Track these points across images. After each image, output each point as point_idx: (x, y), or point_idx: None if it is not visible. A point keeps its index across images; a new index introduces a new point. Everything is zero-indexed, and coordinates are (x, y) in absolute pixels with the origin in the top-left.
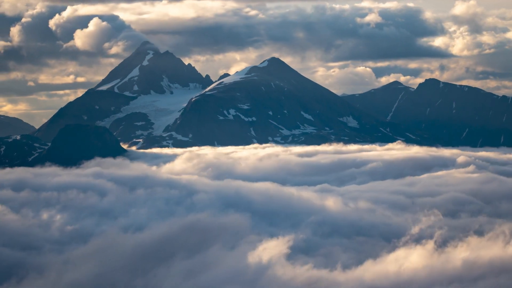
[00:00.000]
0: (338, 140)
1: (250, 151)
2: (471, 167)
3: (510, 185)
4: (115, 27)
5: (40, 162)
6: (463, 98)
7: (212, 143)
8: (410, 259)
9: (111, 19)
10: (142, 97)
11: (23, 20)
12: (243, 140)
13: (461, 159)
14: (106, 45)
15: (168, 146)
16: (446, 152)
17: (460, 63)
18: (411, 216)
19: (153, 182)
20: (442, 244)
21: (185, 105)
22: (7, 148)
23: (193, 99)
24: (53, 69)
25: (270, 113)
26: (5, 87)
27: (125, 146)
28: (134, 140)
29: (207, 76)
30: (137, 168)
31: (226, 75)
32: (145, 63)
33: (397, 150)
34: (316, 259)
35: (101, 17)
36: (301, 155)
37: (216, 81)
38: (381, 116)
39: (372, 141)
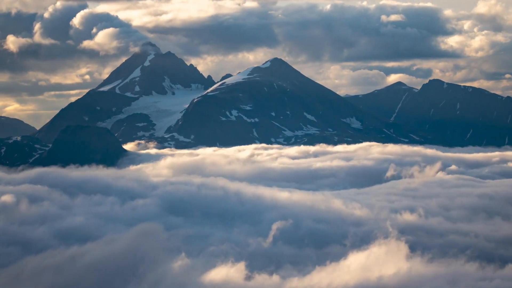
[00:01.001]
0: (341, 141)
1: (243, 152)
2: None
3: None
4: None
5: (41, 163)
6: (467, 99)
7: (214, 144)
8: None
9: (120, 20)
10: (143, 98)
11: (44, 17)
12: (246, 141)
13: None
14: (117, 45)
15: (170, 147)
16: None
17: (475, 64)
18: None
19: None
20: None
21: (187, 106)
22: (8, 150)
23: (195, 100)
24: (66, 69)
25: (273, 114)
26: (16, 87)
27: (129, 147)
28: (137, 141)
29: (209, 76)
30: (98, 173)
31: (228, 75)
32: (147, 63)
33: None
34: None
35: (107, 19)
36: (293, 157)
37: (218, 82)
38: (385, 117)
39: (375, 142)
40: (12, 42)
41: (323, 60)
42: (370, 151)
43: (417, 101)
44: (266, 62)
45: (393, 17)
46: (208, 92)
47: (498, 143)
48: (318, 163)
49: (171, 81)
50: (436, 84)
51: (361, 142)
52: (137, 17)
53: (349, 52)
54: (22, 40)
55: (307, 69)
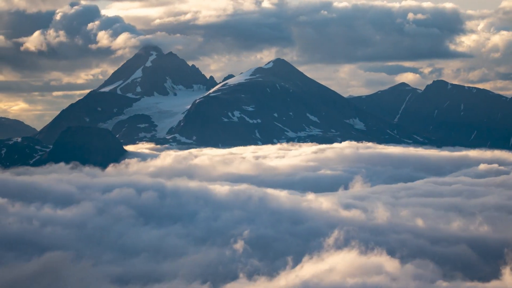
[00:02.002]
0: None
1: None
2: None
3: None
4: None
5: (42, 164)
6: (471, 100)
7: (216, 146)
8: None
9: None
10: (145, 99)
11: (58, 18)
12: (248, 142)
13: None
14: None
15: (172, 149)
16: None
17: (490, 64)
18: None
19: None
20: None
21: (189, 107)
22: (8, 151)
23: (197, 100)
24: (79, 69)
25: (275, 115)
26: (28, 86)
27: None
28: (137, 142)
29: (211, 77)
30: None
31: (231, 76)
32: (148, 64)
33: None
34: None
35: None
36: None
37: (220, 83)
38: (388, 118)
39: (379, 143)
40: (28, 41)
41: (338, 60)
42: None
43: (421, 102)
44: (268, 62)
45: (412, 17)
46: (210, 93)
47: (502, 144)
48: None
49: (173, 82)
50: (440, 85)
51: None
52: (152, 15)
53: (365, 52)
54: (37, 39)
55: (320, 69)
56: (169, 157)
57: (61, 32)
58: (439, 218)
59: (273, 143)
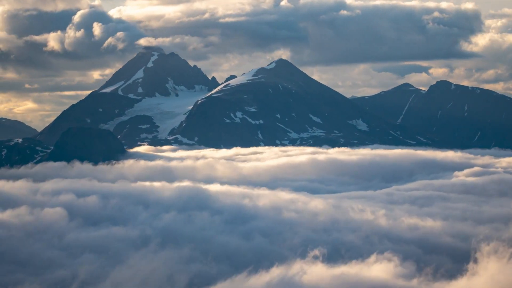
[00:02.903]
0: (347, 143)
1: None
2: None
3: None
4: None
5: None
6: (475, 100)
7: (218, 147)
8: None
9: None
10: (146, 100)
11: (75, 17)
12: (250, 144)
13: None
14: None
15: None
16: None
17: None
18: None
19: None
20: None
21: (190, 107)
22: (9, 152)
23: (199, 101)
24: (93, 69)
25: (278, 116)
26: (38, 86)
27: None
28: (139, 143)
29: (213, 78)
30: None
31: (233, 76)
32: (150, 64)
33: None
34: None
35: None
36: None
37: (222, 83)
38: (392, 119)
39: (382, 144)
40: (42, 40)
41: (352, 59)
42: None
43: (424, 103)
44: (271, 63)
45: (431, 16)
46: (212, 94)
47: (507, 145)
48: None
49: (174, 83)
50: (444, 85)
51: (368, 144)
52: (169, 13)
53: (380, 51)
54: (51, 39)
55: (334, 69)
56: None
57: (77, 32)
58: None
59: (275, 144)
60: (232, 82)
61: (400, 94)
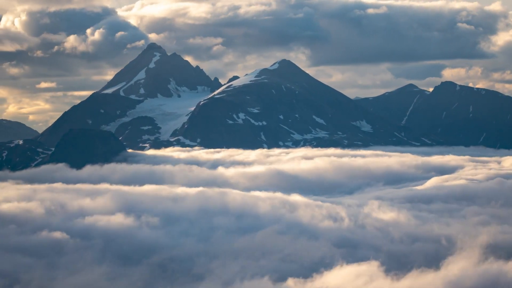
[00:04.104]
0: (351, 145)
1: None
2: None
3: None
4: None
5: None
6: (480, 101)
7: (221, 148)
8: None
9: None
10: (148, 101)
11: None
12: (253, 145)
13: None
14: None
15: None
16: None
17: None
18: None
19: None
20: None
21: (193, 108)
22: (9, 153)
23: (201, 102)
24: (109, 69)
25: (281, 117)
26: (54, 86)
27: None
28: (141, 144)
29: (216, 79)
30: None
31: (236, 77)
32: (152, 65)
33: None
34: None
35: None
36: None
37: (225, 84)
38: (396, 120)
39: (386, 145)
40: (61, 40)
41: (370, 59)
42: None
43: (429, 104)
44: (274, 63)
45: (456, 16)
46: (214, 95)
47: None
48: None
49: (176, 83)
50: (448, 86)
51: (371, 145)
52: (190, 10)
53: (401, 51)
54: (71, 39)
55: (346, 69)
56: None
57: (98, 32)
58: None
59: (278, 146)
60: (235, 83)
61: (404, 95)
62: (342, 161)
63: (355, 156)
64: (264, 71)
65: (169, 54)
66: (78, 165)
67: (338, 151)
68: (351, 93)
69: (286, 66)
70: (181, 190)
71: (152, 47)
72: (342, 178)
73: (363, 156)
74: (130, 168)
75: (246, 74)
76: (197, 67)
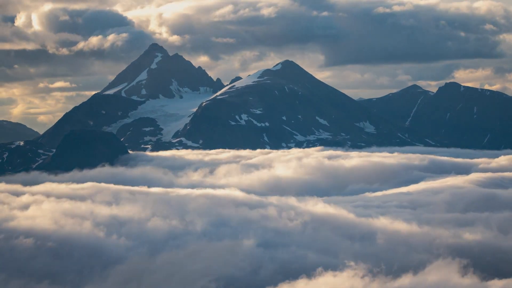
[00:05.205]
0: (354, 146)
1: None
2: None
3: None
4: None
5: (44, 169)
6: (484, 103)
7: (223, 149)
8: None
9: None
10: (150, 102)
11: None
12: (256, 146)
13: None
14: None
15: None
16: None
17: None
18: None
19: None
20: None
21: (195, 109)
22: (10, 155)
23: (204, 103)
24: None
25: (284, 118)
26: (71, 86)
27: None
28: (142, 146)
29: (218, 79)
30: None
31: (238, 78)
32: (154, 66)
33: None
34: None
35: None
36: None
37: (227, 85)
38: (399, 121)
39: (390, 146)
40: (78, 41)
41: (384, 59)
42: None
43: (432, 105)
44: (277, 64)
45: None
46: (217, 96)
47: None
48: None
49: (178, 84)
50: (453, 87)
51: (375, 147)
52: (212, 8)
53: (416, 51)
54: (90, 41)
55: (358, 68)
56: None
57: (115, 32)
58: None
59: (281, 147)
60: (237, 83)
61: (408, 96)
62: (331, 162)
63: (346, 157)
64: (266, 72)
65: (171, 54)
66: (79, 166)
67: (328, 152)
68: (367, 94)
69: (289, 66)
70: (185, 192)
71: (154, 48)
72: (325, 180)
73: (351, 158)
74: (131, 170)
75: (249, 75)
76: (199, 68)
